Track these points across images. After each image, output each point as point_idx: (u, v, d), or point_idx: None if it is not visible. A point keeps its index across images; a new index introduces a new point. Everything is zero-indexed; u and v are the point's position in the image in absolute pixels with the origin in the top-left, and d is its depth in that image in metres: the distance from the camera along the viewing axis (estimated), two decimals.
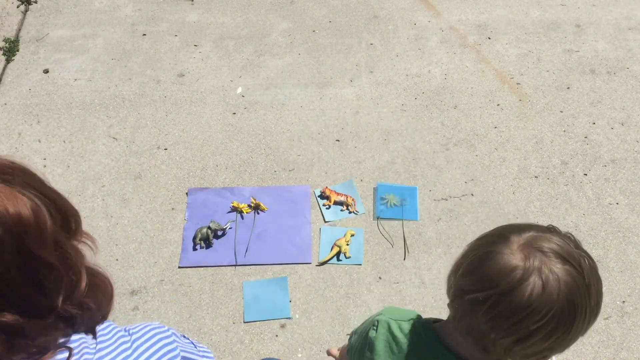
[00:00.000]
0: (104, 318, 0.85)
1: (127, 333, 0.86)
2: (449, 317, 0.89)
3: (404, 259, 1.85)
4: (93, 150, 2.16)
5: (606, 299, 1.76)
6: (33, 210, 0.71)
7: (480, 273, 0.80)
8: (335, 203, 1.98)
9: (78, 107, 2.30)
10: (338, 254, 1.86)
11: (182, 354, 0.88)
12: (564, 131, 2.19)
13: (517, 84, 2.36)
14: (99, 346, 0.80)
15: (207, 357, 0.94)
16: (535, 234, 0.81)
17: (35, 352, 0.73)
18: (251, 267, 1.84)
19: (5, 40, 2.54)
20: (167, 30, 2.61)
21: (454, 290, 0.85)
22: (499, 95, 2.32)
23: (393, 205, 1.97)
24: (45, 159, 2.14)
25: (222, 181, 2.05)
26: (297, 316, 1.74)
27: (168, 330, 0.88)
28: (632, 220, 1.94)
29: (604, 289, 1.85)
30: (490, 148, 2.14)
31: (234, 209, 1.95)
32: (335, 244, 1.87)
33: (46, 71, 2.44)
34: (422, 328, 0.94)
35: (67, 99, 2.33)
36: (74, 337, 0.78)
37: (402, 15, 2.65)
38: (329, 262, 1.85)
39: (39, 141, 2.20)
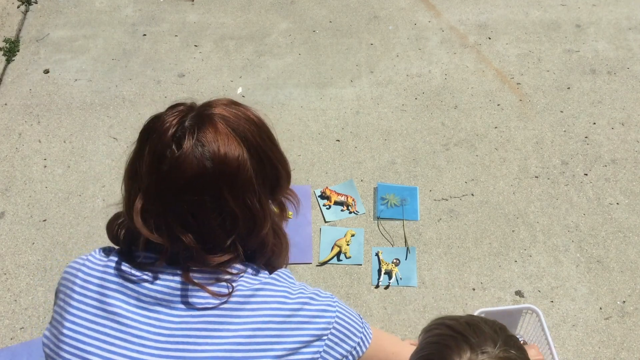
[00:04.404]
0: (275, 267, 0.99)
1: (298, 289, 0.95)
2: None
3: (406, 258, 1.85)
4: (93, 150, 2.16)
5: (606, 299, 1.76)
6: (239, 162, 0.86)
7: None
8: (336, 203, 1.99)
9: (78, 107, 2.30)
10: (338, 254, 1.86)
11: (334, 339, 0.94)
12: (565, 131, 2.19)
13: (518, 84, 2.36)
14: (254, 280, 0.92)
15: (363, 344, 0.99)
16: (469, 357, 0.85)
17: (199, 265, 0.89)
18: None
19: (6, 40, 2.54)
20: (167, 30, 2.61)
21: None
22: (499, 95, 2.32)
23: (393, 205, 1.97)
24: (45, 159, 2.14)
25: None
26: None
27: (335, 309, 0.95)
28: (632, 220, 1.94)
29: (605, 289, 1.86)
30: (491, 148, 2.14)
31: None
32: (335, 244, 1.87)
33: (46, 71, 2.45)
34: None
35: (68, 99, 2.33)
36: (249, 270, 0.93)
37: (403, 15, 2.65)
38: (329, 262, 1.86)
39: (40, 141, 2.20)
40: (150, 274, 0.89)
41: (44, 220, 1.97)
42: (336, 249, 1.86)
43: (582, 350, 1.67)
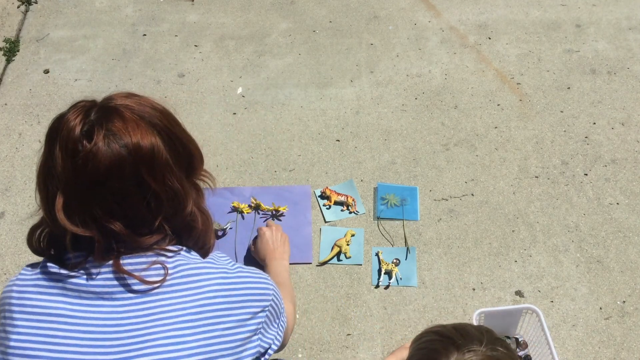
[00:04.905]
0: (203, 244, 1.04)
1: (236, 266, 1.01)
2: None
3: (406, 258, 1.85)
4: None
5: (606, 299, 1.76)
6: (152, 146, 0.90)
7: None
8: (336, 203, 1.99)
9: None
10: (338, 254, 1.86)
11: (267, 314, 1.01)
12: (565, 131, 2.19)
13: (518, 84, 2.36)
14: (191, 260, 0.96)
15: (277, 341, 1.05)
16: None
17: (133, 250, 0.92)
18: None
19: (6, 40, 2.54)
20: (167, 30, 2.61)
21: None
22: (499, 95, 2.32)
23: (393, 205, 1.97)
24: None
25: (223, 181, 2.05)
26: (297, 316, 1.74)
27: (271, 292, 1.02)
28: (632, 220, 1.94)
29: (605, 289, 1.86)
30: (491, 148, 2.14)
31: (234, 209, 1.95)
32: (335, 244, 1.87)
33: (46, 71, 2.45)
34: None
35: (68, 99, 2.33)
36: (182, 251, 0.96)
37: (403, 15, 2.65)
38: (329, 262, 1.86)
39: (40, 141, 2.20)
40: (83, 271, 0.90)
41: None
42: (336, 249, 1.86)
43: (582, 350, 1.67)
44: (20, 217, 1.98)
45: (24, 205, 2.01)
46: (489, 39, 2.54)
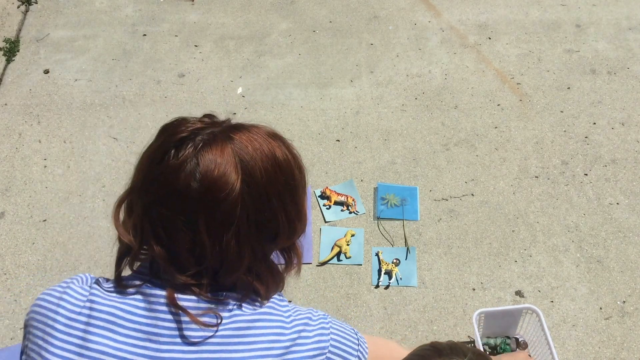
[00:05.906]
0: (266, 297, 0.90)
1: (292, 318, 0.89)
2: None
3: (406, 258, 1.85)
4: (93, 150, 2.16)
5: (606, 299, 1.76)
6: (227, 190, 0.79)
7: None
8: (336, 203, 1.99)
9: (78, 107, 2.30)
10: (338, 254, 1.86)
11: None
12: (565, 131, 2.19)
13: (518, 84, 2.36)
14: (259, 310, 0.86)
15: None
16: None
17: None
18: None
19: (6, 40, 2.54)
20: (167, 30, 2.61)
21: None
22: (499, 95, 2.32)
23: (393, 205, 1.97)
24: (45, 159, 2.14)
25: None
26: None
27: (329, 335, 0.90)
28: (632, 220, 1.94)
29: (605, 289, 1.86)
30: (491, 148, 2.14)
31: None
32: (335, 244, 1.87)
33: (47, 71, 2.44)
34: None
35: (68, 99, 2.33)
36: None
37: (403, 15, 2.65)
38: (329, 262, 1.86)
39: (40, 141, 2.20)
40: (136, 297, 0.83)
41: (44, 220, 1.97)
42: (336, 249, 1.86)
43: (582, 350, 1.67)
44: (20, 217, 1.98)
45: (24, 205, 2.01)
46: (489, 39, 2.54)
